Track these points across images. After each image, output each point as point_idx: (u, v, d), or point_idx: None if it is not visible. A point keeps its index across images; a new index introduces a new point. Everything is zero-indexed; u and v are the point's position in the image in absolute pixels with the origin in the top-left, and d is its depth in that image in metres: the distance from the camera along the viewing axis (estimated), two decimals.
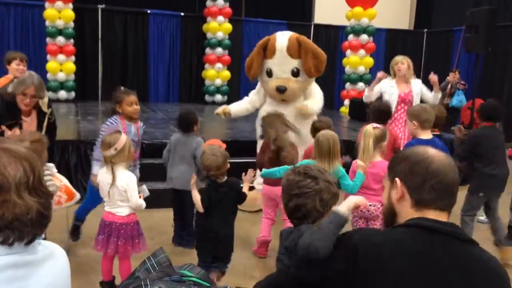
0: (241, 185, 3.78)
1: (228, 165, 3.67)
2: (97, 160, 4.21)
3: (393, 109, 5.57)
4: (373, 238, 1.44)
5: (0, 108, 4.19)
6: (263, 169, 4.29)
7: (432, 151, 1.51)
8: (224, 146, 3.92)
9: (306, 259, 1.57)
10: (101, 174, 3.71)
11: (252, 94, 6.17)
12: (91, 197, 4.49)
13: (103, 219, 3.68)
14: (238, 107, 6.12)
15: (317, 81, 6.25)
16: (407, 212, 1.50)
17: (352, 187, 3.73)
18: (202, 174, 4.62)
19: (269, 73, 5.72)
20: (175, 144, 4.72)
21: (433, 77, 5.86)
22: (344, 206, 1.73)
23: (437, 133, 4.98)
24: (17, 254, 1.21)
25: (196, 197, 3.62)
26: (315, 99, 5.89)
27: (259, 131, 5.12)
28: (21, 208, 1.18)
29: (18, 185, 1.19)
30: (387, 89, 5.81)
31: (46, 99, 4.37)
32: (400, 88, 5.78)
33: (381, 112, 4.71)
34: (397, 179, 1.51)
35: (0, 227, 1.17)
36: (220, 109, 6.08)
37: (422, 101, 5.85)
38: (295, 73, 5.68)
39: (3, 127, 3.97)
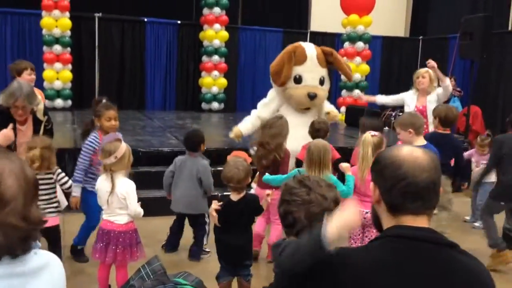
0: (258, 201, 3.70)
1: (250, 180, 3.67)
2: (78, 181, 4.21)
3: None
4: (352, 258, 1.41)
5: None
6: (266, 174, 4.27)
7: (404, 153, 1.45)
8: (249, 160, 3.93)
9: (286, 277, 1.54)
10: (100, 182, 3.71)
11: (262, 106, 5.96)
12: (92, 214, 4.33)
13: (101, 227, 3.68)
14: (248, 126, 5.86)
15: None
16: (385, 216, 1.48)
17: (347, 192, 3.76)
18: (208, 196, 4.66)
19: (298, 80, 5.72)
20: (181, 166, 4.62)
21: (431, 63, 5.90)
22: (333, 227, 1.43)
23: (449, 132, 5.00)
24: (10, 265, 1.20)
25: (214, 218, 3.55)
26: (328, 105, 6.17)
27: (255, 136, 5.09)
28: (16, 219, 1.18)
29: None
30: (407, 100, 5.97)
31: (41, 106, 4.34)
32: (419, 101, 5.88)
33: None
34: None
35: None
36: (232, 134, 5.89)
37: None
38: (322, 82, 5.84)
39: None
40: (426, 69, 5.92)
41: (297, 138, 4.92)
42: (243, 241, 3.61)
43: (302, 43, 5.93)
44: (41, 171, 3.81)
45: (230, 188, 3.58)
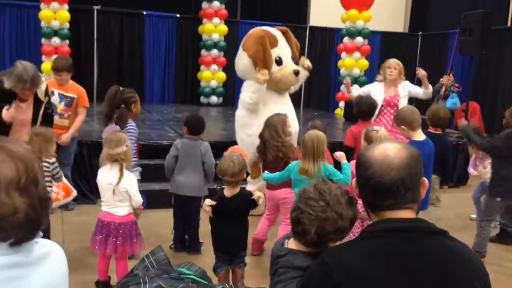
0: (252, 197, 3.70)
1: (244, 175, 3.68)
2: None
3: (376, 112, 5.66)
4: (344, 255, 1.43)
5: None
6: (266, 172, 4.28)
7: (376, 152, 1.48)
8: (245, 156, 3.94)
9: None
10: (102, 174, 3.69)
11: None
12: None
13: (101, 219, 3.68)
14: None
15: (311, 83, 6.31)
16: (368, 211, 1.53)
17: (345, 180, 3.80)
18: (210, 179, 4.65)
19: (279, 62, 5.74)
20: (183, 149, 4.61)
21: (421, 72, 5.86)
22: None
23: (440, 132, 5.02)
24: (11, 255, 1.19)
25: (208, 212, 3.61)
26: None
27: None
28: (8, 207, 1.15)
29: (8, 184, 1.17)
30: (374, 92, 5.82)
31: (43, 87, 4.33)
32: (387, 92, 5.78)
33: (362, 111, 5.13)
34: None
35: None
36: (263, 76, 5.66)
37: (412, 100, 5.89)
38: (292, 58, 5.93)
39: None
40: (396, 60, 5.89)
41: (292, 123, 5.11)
42: (238, 233, 3.67)
43: (258, 28, 5.96)
44: None
45: (224, 182, 3.61)
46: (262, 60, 5.57)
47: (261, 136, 4.59)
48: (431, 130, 4.97)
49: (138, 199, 3.68)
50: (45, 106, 4.33)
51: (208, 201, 3.60)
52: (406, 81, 5.94)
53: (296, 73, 5.72)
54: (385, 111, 5.76)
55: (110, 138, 3.66)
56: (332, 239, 1.79)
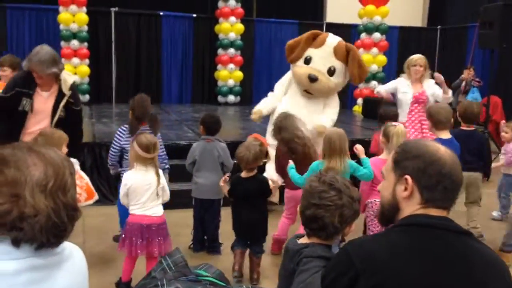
0: (268, 182, 3.97)
1: (261, 163, 3.95)
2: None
3: (407, 109, 5.65)
4: (367, 245, 1.43)
5: (20, 74, 4.20)
6: (291, 165, 4.18)
7: (442, 150, 1.50)
8: (267, 145, 4.05)
9: None
10: (137, 176, 3.67)
11: (277, 88, 6.12)
12: None
13: (139, 223, 3.65)
14: (268, 105, 5.94)
15: None
16: (412, 209, 1.49)
17: (370, 174, 3.86)
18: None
19: (307, 61, 5.73)
20: (201, 153, 4.62)
21: (439, 77, 5.75)
22: None
23: (473, 129, 4.96)
24: (33, 257, 1.21)
25: (224, 188, 3.98)
26: (332, 110, 5.96)
27: (270, 130, 5.07)
28: (30, 207, 1.17)
29: (35, 185, 1.19)
30: (402, 87, 5.77)
31: (70, 79, 4.27)
32: (415, 88, 5.72)
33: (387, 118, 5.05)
34: (408, 176, 1.49)
35: (7, 225, 1.16)
36: (254, 116, 5.91)
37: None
38: (331, 72, 5.73)
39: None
40: (421, 56, 5.82)
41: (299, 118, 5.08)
42: (255, 219, 3.89)
43: (329, 33, 5.95)
44: None
45: (242, 167, 3.92)
46: (292, 48, 5.79)
47: (281, 139, 4.57)
48: (463, 127, 4.89)
49: (169, 193, 3.87)
50: (69, 101, 4.22)
51: (223, 178, 3.96)
52: (431, 79, 5.86)
53: (312, 78, 5.63)
54: (413, 108, 5.71)
55: (147, 143, 3.65)
56: (349, 223, 1.90)
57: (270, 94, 6.11)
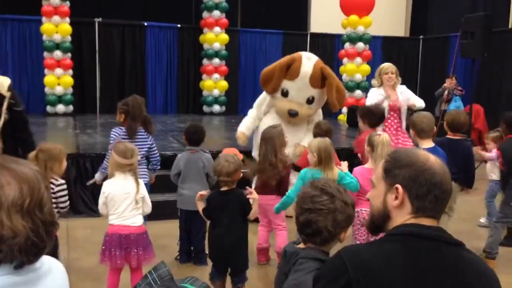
0: (247, 197, 3.71)
1: (241, 175, 3.69)
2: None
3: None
4: (361, 254, 1.43)
5: None
6: (276, 206, 4.16)
7: (432, 159, 1.51)
8: (240, 156, 3.95)
9: None
10: (115, 185, 3.62)
11: (256, 107, 6.02)
12: None
13: (117, 233, 3.59)
14: (249, 126, 5.91)
15: None
16: (403, 218, 1.49)
17: (355, 183, 3.82)
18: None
19: (285, 94, 5.64)
20: (185, 164, 4.60)
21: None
22: None
23: (459, 138, 5.01)
24: (14, 275, 1.18)
25: (200, 207, 3.69)
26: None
27: (256, 149, 5.01)
28: (7, 230, 1.14)
29: (11, 206, 1.15)
30: (378, 98, 5.77)
31: (6, 81, 4.04)
32: (389, 97, 5.78)
33: (374, 116, 5.05)
34: (399, 186, 1.49)
35: None
36: (239, 140, 5.91)
37: (409, 107, 5.89)
38: (310, 101, 5.67)
39: None
40: (391, 64, 5.93)
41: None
42: (235, 243, 3.59)
43: (304, 56, 5.69)
44: None
45: (221, 182, 3.65)
46: (266, 80, 5.64)
47: (260, 150, 4.55)
48: (450, 136, 4.94)
49: (150, 205, 3.77)
50: (10, 102, 3.98)
51: (199, 194, 3.67)
52: (403, 85, 5.97)
53: (291, 114, 5.59)
54: (389, 116, 5.77)
55: (124, 149, 3.62)
56: (343, 228, 1.89)
57: (250, 112, 6.03)
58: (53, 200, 3.51)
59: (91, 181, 4.76)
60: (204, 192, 3.73)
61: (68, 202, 3.62)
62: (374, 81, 6.02)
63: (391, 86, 5.79)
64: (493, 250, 4.80)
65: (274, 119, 5.70)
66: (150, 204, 3.76)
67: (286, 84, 5.62)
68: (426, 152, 1.55)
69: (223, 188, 3.66)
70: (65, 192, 3.58)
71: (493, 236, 4.86)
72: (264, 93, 6.02)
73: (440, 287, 1.37)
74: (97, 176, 4.61)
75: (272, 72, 5.61)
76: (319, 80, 5.60)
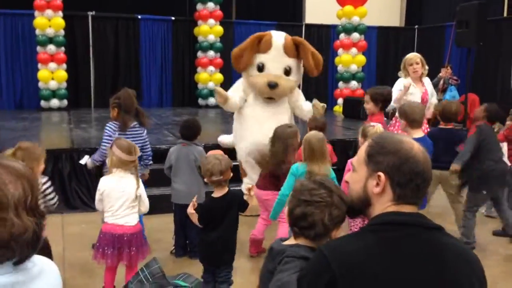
0: (242, 193, 3.68)
1: (231, 174, 3.53)
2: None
3: None
4: (343, 247, 1.41)
5: None
6: (273, 210, 4.13)
7: (416, 147, 1.49)
8: (226, 156, 3.89)
9: None
10: (112, 182, 3.58)
11: (230, 91, 5.86)
12: None
13: (110, 232, 3.55)
14: (233, 102, 5.77)
15: (309, 80, 6.19)
16: (383, 205, 1.48)
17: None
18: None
19: (260, 68, 5.58)
20: (177, 157, 4.58)
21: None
22: None
23: (451, 127, 5.02)
24: (7, 275, 1.19)
25: (193, 216, 3.46)
26: (303, 102, 5.89)
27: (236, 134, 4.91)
28: (19, 228, 1.15)
29: (17, 204, 1.17)
30: (411, 89, 5.49)
31: None
32: (419, 87, 5.61)
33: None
34: (381, 173, 1.47)
35: None
36: (220, 97, 5.64)
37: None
38: (287, 72, 5.59)
39: None
40: (417, 54, 5.75)
41: (264, 130, 4.83)
42: (229, 240, 3.52)
43: (272, 32, 5.76)
44: None
45: (212, 184, 3.47)
46: (237, 58, 5.61)
47: (272, 147, 4.45)
48: (442, 125, 4.95)
49: (148, 204, 3.71)
50: None
51: (191, 203, 3.45)
52: (427, 77, 5.83)
53: (271, 85, 5.49)
54: None
55: (128, 145, 3.58)
56: (337, 224, 1.87)
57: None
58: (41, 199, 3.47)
59: (82, 162, 4.77)
60: (195, 201, 3.49)
61: (56, 197, 3.56)
62: (400, 74, 5.81)
63: (418, 77, 5.59)
64: (468, 239, 4.81)
65: (254, 108, 5.64)
66: (147, 203, 3.70)
67: (260, 57, 5.58)
68: (410, 139, 1.53)
69: (217, 194, 3.47)
70: (51, 189, 3.53)
71: (465, 226, 4.87)
72: (239, 82, 5.93)
73: (422, 272, 1.37)
74: (89, 164, 4.64)
75: (243, 47, 5.60)
76: (293, 48, 5.58)
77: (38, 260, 1.29)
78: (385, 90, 5.01)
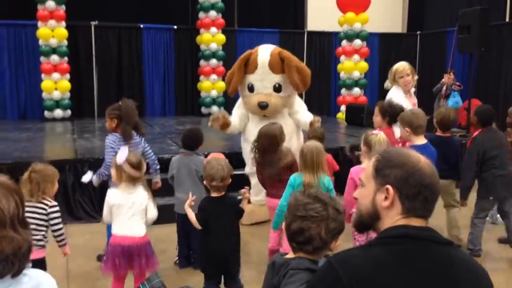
0: (239, 199, 3.73)
1: (230, 180, 3.59)
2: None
3: None
4: (353, 260, 1.41)
5: None
6: (274, 221, 4.17)
7: (423, 160, 1.51)
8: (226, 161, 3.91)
9: None
10: (117, 196, 3.59)
11: (234, 111, 6.04)
12: None
13: (120, 243, 3.55)
14: (237, 120, 5.90)
15: (312, 88, 6.16)
16: (393, 218, 1.48)
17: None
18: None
19: (251, 88, 5.65)
20: (178, 167, 4.59)
21: None
22: None
23: (449, 135, 5.01)
24: (13, 286, 1.19)
25: (191, 215, 3.56)
26: (305, 112, 5.88)
27: (249, 151, 4.95)
28: (18, 242, 1.16)
29: (13, 218, 1.18)
30: (399, 99, 5.17)
31: None
32: (410, 100, 5.42)
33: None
34: (389, 186, 1.48)
35: None
36: (215, 121, 5.77)
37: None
38: (277, 89, 5.59)
39: None
40: (408, 64, 5.44)
41: None
42: (230, 248, 3.54)
43: (259, 48, 5.72)
44: (31, 198, 3.39)
45: (212, 188, 3.55)
46: (230, 82, 5.70)
47: (259, 148, 4.51)
48: (439, 133, 4.93)
49: (156, 211, 3.73)
50: None
51: (188, 203, 3.59)
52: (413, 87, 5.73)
53: (261, 106, 5.53)
54: None
55: (136, 160, 3.61)
56: (335, 236, 1.88)
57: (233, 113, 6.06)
58: (44, 223, 3.47)
59: (85, 180, 4.62)
60: (193, 199, 3.62)
61: (61, 226, 3.56)
62: (387, 84, 5.67)
63: (409, 89, 5.38)
64: (475, 247, 4.80)
65: (256, 123, 5.66)
66: (155, 211, 3.72)
67: (249, 78, 5.63)
68: (417, 152, 1.54)
69: (215, 194, 3.56)
70: (58, 214, 3.53)
71: (473, 233, 4.85)
72: (239, 101, 6.04)
73: (433, 287, 1.37)
74: (94, 180, 4.57)
75: (232, 72, 5.70)
76: (279, 64, 5.54)
77: (34, 274, 1.29)
78: (397, 107, 4.78)
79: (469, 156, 4.80)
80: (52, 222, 3.50)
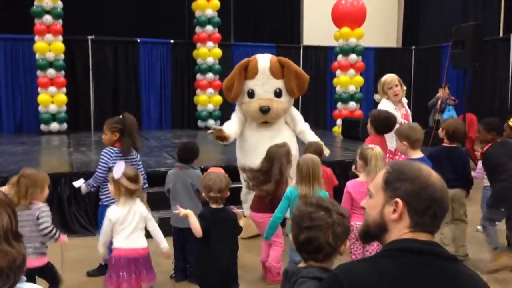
0: (236, 212, 3.72)
1: (228, 193, 3.60)
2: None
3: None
4: (355, 271, 1.42)
5: None
6: (266, 232, 4.18)
7: (434, 175, 1.51)
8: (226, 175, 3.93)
9: None
10: (120, 212, 3.58)
11: (234, 116, 5.94)
12: None
13: (126, 256, 3.54)
14: (233, 132, 5.75)
15: (309, 102, 6.17)
16: (400, 231, 1.48)
17: None
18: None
19: (251, 94, 5.61)
20: (174, 181, 4.58)
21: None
22: None
23: (456, 146, 5.01)
24: None
25: (194, 221, 3.52)
26: (303, 123, 5.88)
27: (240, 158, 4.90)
28: (13, 255, 1.16)
29: (6, 232, 1.18)
30: (393, 112, 5.17)
31: None
32: (400, 110, 5.39)
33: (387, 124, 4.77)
34: (399, 200, 1.48)
35: None
36: (216, 129, 5.62)
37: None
38: (278, 94, 5.60)
39: None
40: (395, 75, 5.44)
41: (260, 155, 4.79)
42: (229, 260, 3.55)
43: (258, 55, 5.76)
44: (18, 202, 3.37)
45: (210, 199, 3.56)
46: (228, 88, 5.67)
47: (266, 169, 4.46)
48: (446, 144, 4.94)
49: (154, 224, 3.75)
50: None
51: (182, 211, 3.58)
52: (405, 98, 5.70)
53: (263, 110, 5.51)
54: None
55: (132, 174, 3.62)
56: (343, 240, 1.90)
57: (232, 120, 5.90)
58: (30, 226, 3.45)
59: (76, 185, 4.62)
60: (186, 211, 3.60)
61: (48, 224, 3.52)
62: (376, 96, 5.78)
63: (399, 99, 5.36)
64: (498, 245, 4.76)
65: (252, 134, 5.67)
66: (154, 223, 3.76)
67: (249, 84, 5.60)
68: (428, 167, 1.54)
69: (214, 206, 3.58)
70: (45, 214, 3.51)
71: (488, 235, 4.83)
72: (236, 110, 5.95)
73: None
74: (83, 189, 4.57)
75: (232, 77, 5.66)
76: (279, 70, 5.58)
77: (28, 287, 1.28)
78: (385, 114, 4.88)
79: (487, 168, 4.89)
80: (39, 221, 3.47)
